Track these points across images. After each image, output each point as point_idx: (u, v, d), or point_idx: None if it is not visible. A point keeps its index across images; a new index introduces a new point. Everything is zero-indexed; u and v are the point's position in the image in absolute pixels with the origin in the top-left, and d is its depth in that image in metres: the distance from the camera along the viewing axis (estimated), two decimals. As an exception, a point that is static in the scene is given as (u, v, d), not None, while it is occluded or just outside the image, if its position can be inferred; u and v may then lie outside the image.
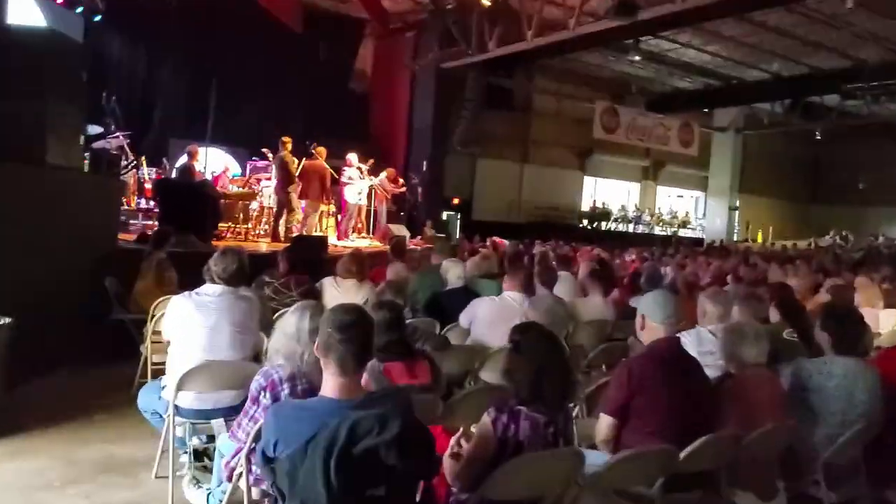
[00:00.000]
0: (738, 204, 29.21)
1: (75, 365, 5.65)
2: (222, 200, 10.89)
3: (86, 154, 8.38)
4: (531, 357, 2.72)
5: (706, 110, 27.37)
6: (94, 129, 9.65)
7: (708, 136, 28.34)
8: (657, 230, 28.85)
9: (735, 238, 28.59)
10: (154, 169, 12.65)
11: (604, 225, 27.49)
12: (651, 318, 3.25)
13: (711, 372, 3.59)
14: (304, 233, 11.05)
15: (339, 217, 13.05)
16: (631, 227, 28.30)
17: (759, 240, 27.85)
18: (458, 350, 4.53)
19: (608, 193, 29.50)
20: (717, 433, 3.00)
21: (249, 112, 16.78)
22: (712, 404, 3.20)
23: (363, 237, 13.49)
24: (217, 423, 3.61)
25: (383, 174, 13.73)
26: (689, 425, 2.99)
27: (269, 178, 12.23)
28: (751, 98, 24.20)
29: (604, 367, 5.14)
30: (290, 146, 11.08)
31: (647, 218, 28.78)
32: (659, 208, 30.14)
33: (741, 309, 4.41)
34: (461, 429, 2.64)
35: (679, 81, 25.17)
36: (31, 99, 5.85)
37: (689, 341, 4.04)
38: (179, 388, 3.54)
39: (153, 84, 15.76)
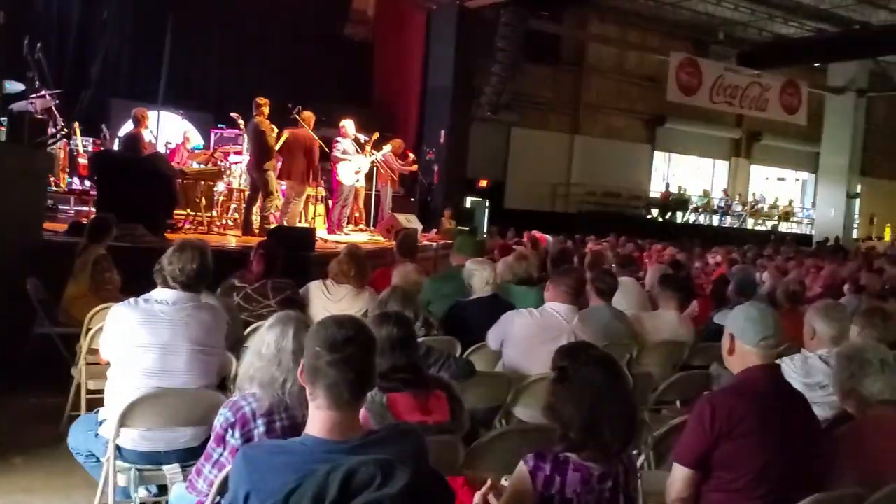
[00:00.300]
0: (858, 190, 28.95)
1: (-13, 393, 5.71)
2: (179, 180, 10.96)
3: (2, 118, 8.47)
4: (582, 388, 2.71)
5: (818, 65, 27.12)
6: (13, 86, 9.76)
7: (820, 99, 28.10)
8: (751, 223, 28.66)
9: (855, 235, 28.34)
10: (91, 139, 12.75)
11: (680, 216, 27.37)
12: (742, 339, 3.23)
13: (822, 411, 3.56)
14: (285, 223, 11.09)
15: (331, 203, 13.10)
16: (716, 220, 28.17)
17: (888, 237, 27.58)
18: (486, 378, 4.53)
19: (686, 174, 29.36)
20: (831, 491, 2.97)
21: (214, 66, 16.87)
22: (823, 453, 3.17)
23: (362, 229, 13.52)
24: (171, 470, 3.63)
25: (388, 147, 13.72)
26: (791, 480, 2.97)
27: (239, 153, 12.28)
28: (878, 49, 23.95)
29: (678, 403, 5.13)
30: (267, 110, 11.12)
31: (737, 207, 28.63)
32: (753, 194, 29.98)
33: (863, 328, 4.37)
34: (489, 481, 2.63)
35: (782, 27, 25.00)
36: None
37: (792, 370, 4.01)
38: (122, 423, 3.56)
39: (90, 29, 15.90)
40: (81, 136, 12.25)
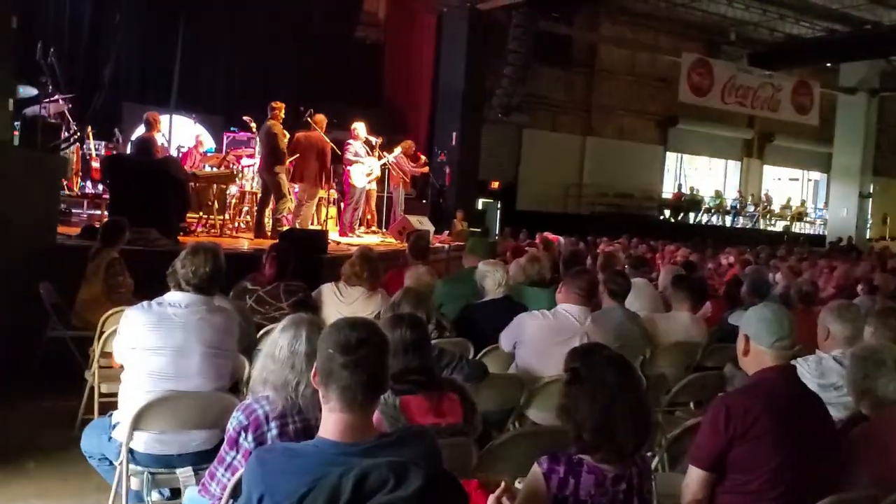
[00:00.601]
0: (871, 189, 28.81)
1: (1, 397, 5.72)
2: (192, 183, 11.00)
3: (16, 123, 8.51)
4: (595, 390, 2.70)
5: (830, 65, 27.01)
6: (26, 91, 9.80)
7: (832, 99, 27.99)
8: (763, 224, 28.55)
9: (868, 235, 28.20)
10: (103, 142, 12.80)
11: (692, 217, 27.30)
12: (756, 340, 3.21)
13: (836, 412, 3.53)
14: (297, 226, 11.11)
15: (343, 206, 13.11)
16: (728, 220, 28.07)
17: (901, 237, 27.45)
18: (499, 380, 4.52)
19: (698, 175, 29.28)
20: (845, 493, 2.96)
21: (226, 69, 16.90)
22: (838, 455, 3.16)
23: (374, 232, 13.52)
24: (184, 474, 3.63)
25: (398, 149, 13.69)
26: (806, 483, 2.96)
27: (252, 156, 12.30)
28: (890, 49, 23.85)
29: (692, 404, 5.11)
30: (282, 115, 11.13)
31: (750, 208, 28.52)
32: (766, 194, 29.85)
33: (877, 328, 4.34)
34: (503, 484, 2.62)
35: (793, 27, 24.91)
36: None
37: (807, 371, 3.99)
38: (135, 426, 3.57)
39: (102, 33, 15.94)
40: (94, 139, 12.32)
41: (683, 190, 27.91)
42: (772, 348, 3.17)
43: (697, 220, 27.41)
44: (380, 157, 12.86)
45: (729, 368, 4.89)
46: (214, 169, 12.43)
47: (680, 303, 6.04)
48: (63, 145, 10.45)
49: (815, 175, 32.19)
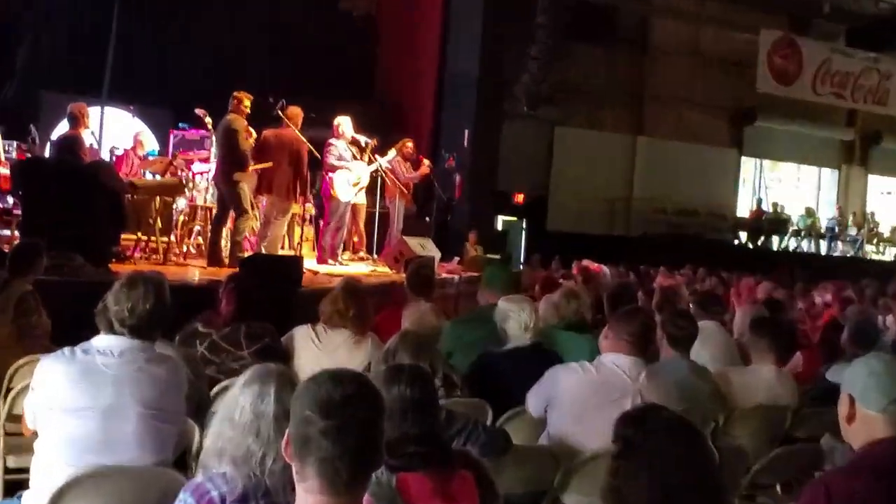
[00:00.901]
0: None
1: None
2: (128, 195, 11.01)
3: None
4: (652, 464, 2.69)
5: (952, 46, 27.11)
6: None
7: (957, 89, 28.04)
8: (869, 251, 28.47)
9: None
10: (14, 143, 12.86)
11: (776, 241, 27.27)
12: (864, 402, 3.19)
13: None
14: (263, 250, 11.12)
15: (322, 224, 13.10)
16: (824, 246, 28.00)
17: None
18: (526, 454, 4.52)
19: (783, 188, 29.26)
20: None
21: (175, 51, 17.01)
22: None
23: (362, 258, 13.53)
24: (114, 574, 3.61)
25: (392, 151, 13.54)
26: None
27: (206, 160, 12.33)
28: None
29: (779, 487, 5.07)
30: (247, 108, 11.04)
31: (851, 230, 28.44)
32: (872, 213, 29.81)
33: None
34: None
35: (905, -3, 24.98)
36: None
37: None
38: (52, 511, 3.55)
39: (16, 8, 16.10)
40: (3, 139, 12.35)
41: (764, 206, 27.87)
42: (885, 413, 3.15)
43: (783, 245, 27.38)
44: (370, 162, 12.84)
45: (827, 440, 4.85)
46: (158, 177, 12.47)
47: (762, 353, 6.00)
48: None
49: (936, 188, 32.25)
